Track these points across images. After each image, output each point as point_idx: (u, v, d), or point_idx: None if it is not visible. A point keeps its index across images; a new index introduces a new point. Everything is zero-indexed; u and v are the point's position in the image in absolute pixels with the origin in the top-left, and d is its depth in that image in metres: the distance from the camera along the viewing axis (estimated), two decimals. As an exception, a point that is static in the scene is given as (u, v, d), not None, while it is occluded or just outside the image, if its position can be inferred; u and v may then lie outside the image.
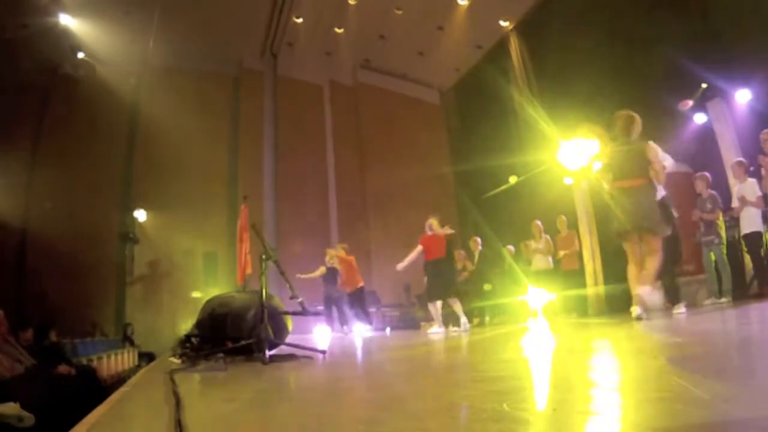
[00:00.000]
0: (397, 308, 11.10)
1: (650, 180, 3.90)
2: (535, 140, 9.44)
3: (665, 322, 3.47)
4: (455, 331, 5.91)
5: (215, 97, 12.03)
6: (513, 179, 10.30)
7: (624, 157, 3.93)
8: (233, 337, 3.00)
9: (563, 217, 7.61)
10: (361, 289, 8.08)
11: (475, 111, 13.05)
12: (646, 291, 3.69)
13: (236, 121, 12.33)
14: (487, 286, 8.19)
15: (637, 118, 4.00)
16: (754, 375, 1.16)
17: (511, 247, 8.37)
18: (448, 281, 6.23)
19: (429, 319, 8.02)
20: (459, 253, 8.27)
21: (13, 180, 9.53)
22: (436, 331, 5.87)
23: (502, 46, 11.67)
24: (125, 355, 8.30)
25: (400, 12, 11.20)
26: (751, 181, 5.35)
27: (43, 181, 10.09)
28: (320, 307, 8.05)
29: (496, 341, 3.92)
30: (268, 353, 2.62)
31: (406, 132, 13.36)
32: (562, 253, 7.42)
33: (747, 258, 5.78)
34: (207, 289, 10.08)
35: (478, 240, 8.65)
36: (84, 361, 5.56)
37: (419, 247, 6.31)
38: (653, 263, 3.76)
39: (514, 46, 11.23)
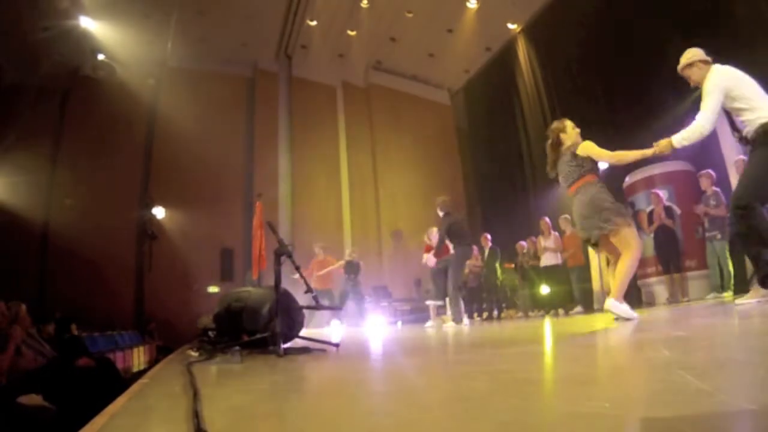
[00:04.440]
0: (408, 302, 11.19)
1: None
2: (542, 139, 9.43)
3: (664, 317, 3.43)
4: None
5: (231, 98, 12.21)
6: None
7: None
8: (249, 330, 3.03)
9: (566, 216, 7.68)
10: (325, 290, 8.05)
11: (484, 111, 13.09)
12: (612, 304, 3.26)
13: (251, 121, 12.47)
14: (497, 282, 8.27)
15: (562, 124, 3.67)
16: (755, 368, 1.16)
17: (524, 243, 8.39)
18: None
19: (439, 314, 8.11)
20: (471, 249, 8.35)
21: (35, 178, 9.74)
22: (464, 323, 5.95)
23: (510, 48, 11.76)
24: (144, 348, 8.45)
25: (410, 15, 11.31)
26: None
27: (64, 178, 10.28)
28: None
29: (504, 335, 3.91)
30: (282, 346, 2.66)
31: (416, 131, 13.46)
32: (567, 253, 7.48)
33: (749, 254, 5.78)
34: (223, 284, 10.25)
35: (488, 237, 8.70)
36: (104, 354, 5.67)
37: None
38: (619, 266, 3.30)
39: (521, 48, 11.31)
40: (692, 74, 3.23)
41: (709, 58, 3.24)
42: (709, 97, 3.04)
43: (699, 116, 3.06)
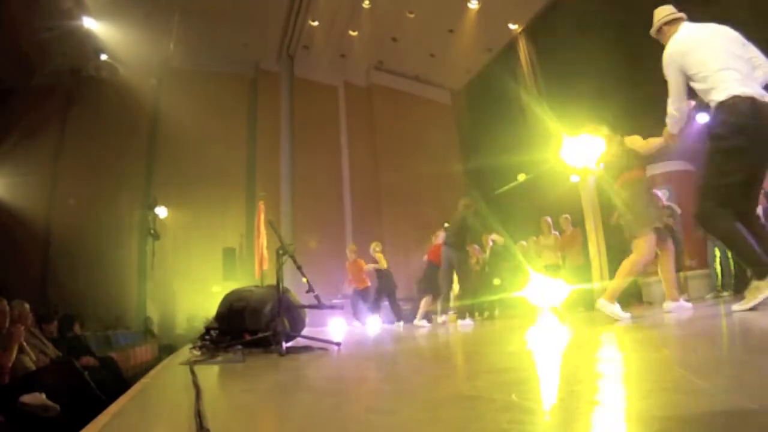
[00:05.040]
0: (409, 302, 11.18)
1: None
2: (542, 139, 9.47)
3: (664, 317, 3.43)
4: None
5: (233, 98, 12.22)
6: (522, 176, 10.60)
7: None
8: (251, 329, 3.04)
9: (567, 216, 7.67)
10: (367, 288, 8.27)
11: (485, 111, 13.13)
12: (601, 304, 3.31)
13: (254, 121, 12.48)
14: (496, 281, 8.26)
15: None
16: (754, 366, 1.16)
17: (524, 243, 8.42)
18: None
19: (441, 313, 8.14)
20: (473, 248, 8.36)
21: (38, 177, 9.82)
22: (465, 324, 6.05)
23: (511, 48, 11.79)
24: (146, 347, 8.45)
25: (412, 15, 11.32)
26: None
27: (67, 178, 10.33)
28: (336, 301, 8.17)
29: (504, 334, 3.91)
30: (284, 345, 2.68)
31: (418, 131, 13.46)
32: (572, 253, 7.47)
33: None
34: (226, 283, 10.24)
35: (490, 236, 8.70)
36: (106, 353, 5.69)
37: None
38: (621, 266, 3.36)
39: (522, 48, 11.37)
40: (665, 41, 2.80)
41: (676, 16, 2.79)
42: (668, 79, 2.72)
43: (668, 104, 2.80)
